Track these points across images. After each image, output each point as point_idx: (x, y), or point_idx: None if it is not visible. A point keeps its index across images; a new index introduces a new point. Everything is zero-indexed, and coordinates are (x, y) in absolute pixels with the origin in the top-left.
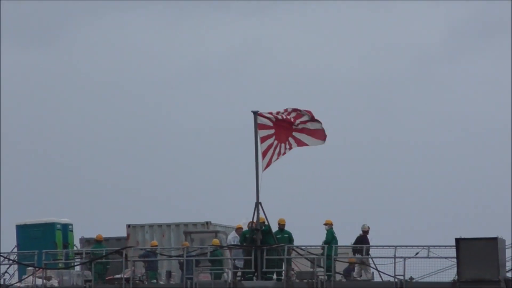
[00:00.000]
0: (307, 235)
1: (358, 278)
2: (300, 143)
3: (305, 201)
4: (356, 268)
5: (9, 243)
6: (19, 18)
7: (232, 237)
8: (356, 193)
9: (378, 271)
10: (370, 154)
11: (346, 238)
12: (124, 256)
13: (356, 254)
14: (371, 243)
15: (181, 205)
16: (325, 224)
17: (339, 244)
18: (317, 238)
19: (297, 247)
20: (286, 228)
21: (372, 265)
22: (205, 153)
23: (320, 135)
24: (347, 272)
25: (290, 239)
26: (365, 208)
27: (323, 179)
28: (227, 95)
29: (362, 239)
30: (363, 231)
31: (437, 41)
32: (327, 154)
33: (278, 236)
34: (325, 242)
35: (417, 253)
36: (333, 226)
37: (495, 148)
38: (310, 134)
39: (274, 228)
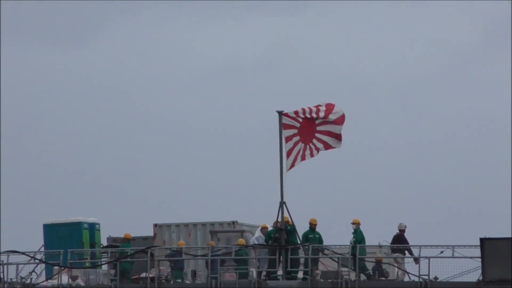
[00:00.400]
0: (332, 235)
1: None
2: (326, 146)
3: (329, 201)
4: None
5: (37, 242)
6: (50, 18)
7: (257, 237)
8: (379, 193)
9: (403, 270)
10: (397, 154)
11: (373, 236)
12: (149, 255)
13: (393, 254)
14: (409, 242)
15: (208, 205)
16: (353, 224)
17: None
18: (342, 238)
19: (322, 247)
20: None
21: (398, 265)
22: (232, 153)
23: (339, 136)
24: (375, 271)
25: (320, 240)
26: (387, 207)
27: (348, 178)
28: (256, 95)
29: (400, 238)
30: (400, 230)
31: (473, 40)
32: (354, 154)
33: (310, 236)
34: (357, 242)
35: (441, 252)
36: (360, 226)
37: None
38: (332, 135)
39: (299, 227)
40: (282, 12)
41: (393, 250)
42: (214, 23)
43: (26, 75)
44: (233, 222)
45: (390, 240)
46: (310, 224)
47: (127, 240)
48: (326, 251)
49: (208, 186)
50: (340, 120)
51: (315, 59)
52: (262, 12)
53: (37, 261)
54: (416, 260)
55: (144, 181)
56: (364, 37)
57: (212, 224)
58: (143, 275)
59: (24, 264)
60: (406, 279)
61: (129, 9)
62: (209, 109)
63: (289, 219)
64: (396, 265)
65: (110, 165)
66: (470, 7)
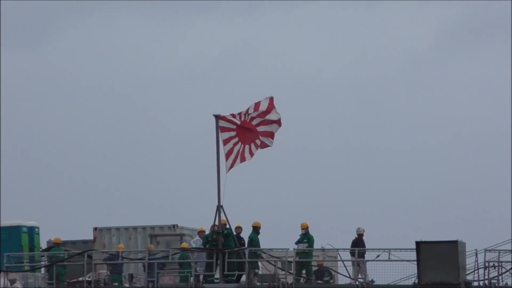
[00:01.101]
0: (270, 238)
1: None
2: (263, 145)
3: (267, 204)
4: (353, 269)
5: None
6: (7, 19)
7: (194, 240)
8: (318, 195)
9: (338, 273)
10: (347, 156)
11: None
12: (85, 258)
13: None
14: (367, 246)
15: (149, 209)
16: (303, 228)
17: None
18: (280, 241)
19: (259, 250)
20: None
21: (334, 268)
22: (173, 156)
23: (273, 135)
24: (318, 274)
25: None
26: (330, 210)
27: (288, 181)
28: (206, 98)
29: (358, 242)
30: (358, 234)
31: (428, 43)
32: (302, 156)
33: (255, 239)
34: (310, 247)
35: (378, 256)
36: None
37: (479, 151)
38: (269, 135)
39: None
40: (238, 14)
41: (352, 254)
42: (171, 25)
43: None
44: (174, 226)
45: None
46: (254, 227)
47: (56, 245)
48: (263, 255)
49: (149, 190)
50: (279, 122)
51: (273, 59)
52: (219, 14)
53: None
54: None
55: (84, 184)
56: (322, 37)
57: (153, 227)
58: (81, 279)
59: None
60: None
61: (82, 11)
62: (154, 111)
63: (227, 223)
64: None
65: (50, 168)
66: (425, 8)
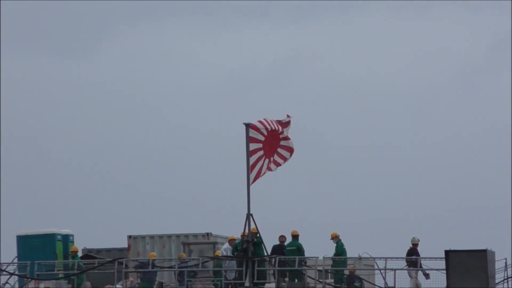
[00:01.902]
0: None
1: None
2: (282, 158)
3: (300, 213)
4: (411, 282)
5: (10, 253)
6: (57, 29)
7: (225, 248)
8: (347, 205)
9: (368, 282)
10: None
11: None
12: (116, 266)
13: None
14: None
15: (183, 217)
16: (332, 238)
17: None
18: (315, 250)
19: (289, 258)
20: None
21: (363, 276)
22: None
23: (290, 150)
24: (349, 281)
25: (300, 250)
26: (355, 220)
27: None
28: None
29: (413, 252)
30: (413, 244)
31: (482, 53)
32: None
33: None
34: (336, 255)
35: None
36: (338, 238)
37: None
38: (290, 150)
39: (267, 239)
40: (289, 23)
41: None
42: (221, 34)
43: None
44: (207, 234)
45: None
46: (295, 235)
47: (74, 253)
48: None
49: (183, 199)
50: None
51: (325, 67)
52: (270, 22)
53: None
54: (427, 276)
55: (120, 193)
56: (371, 46)
57: (186, 235)
58: (112, 287)
59: None
60: None
61: (136, 20)
62: (200, 120)
63: (257, 231)
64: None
65: (86, 176)
66: (477, 19)
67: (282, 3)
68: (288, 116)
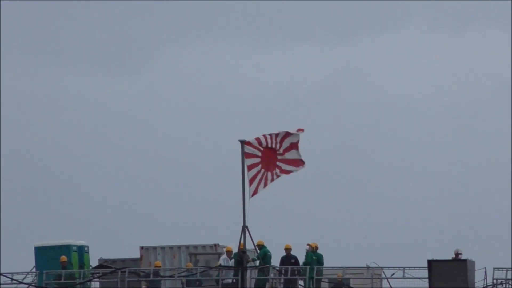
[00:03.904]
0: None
1: None
2: (284, 172)
3: (291, 224)
4: None
5: (28, 264)
6: (105, 46)
7: (223, 259)
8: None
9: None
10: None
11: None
12: (119, 275)
13: None
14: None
15: (192, 229)
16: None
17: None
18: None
19: (277, 267)
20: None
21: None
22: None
23: (298, 163)
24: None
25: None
26: (341, 231)
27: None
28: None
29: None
30: (456, 254)
31: None
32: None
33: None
34: (304, 263)
35: (393, 274)
36: (316, 249)
37: None
38: (290, 163)
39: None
40: (335, 40)
41: None
42: (269, 52)
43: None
44: (215, 245)
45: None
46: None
47: (64, 264)
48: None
49: (193, 212)
50: (296, 145)
51: (364, 88)
52: (317, 40)
53: (15, 281)
54: None
55: (132, 206)
56: (411, 64)
57: (195, 246)
58: None
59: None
60: None
61: (180, 40)
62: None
63: (261, 243)
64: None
65: (102, 191)
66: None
67: (324, 23)
68: (299, 130)
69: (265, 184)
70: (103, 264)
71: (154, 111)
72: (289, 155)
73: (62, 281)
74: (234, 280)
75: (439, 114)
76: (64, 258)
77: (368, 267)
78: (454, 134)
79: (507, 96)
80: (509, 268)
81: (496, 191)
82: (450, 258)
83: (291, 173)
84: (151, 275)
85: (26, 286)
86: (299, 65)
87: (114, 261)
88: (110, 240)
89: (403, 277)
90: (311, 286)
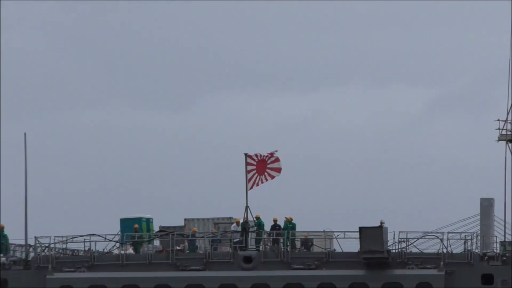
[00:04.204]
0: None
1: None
2: (270, 176)
3: (277, 205)
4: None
5: (115, 230)
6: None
7: (233, 227)
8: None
9: (315, 245)
10: None
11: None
12: (170, 236)
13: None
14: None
15: (215, 207)
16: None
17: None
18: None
19: (268, 232)
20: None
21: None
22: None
23: (278, 170)
24: (304, 244)
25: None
26: (307, 208)
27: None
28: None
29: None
30: (380, 223)
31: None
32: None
33: (277, 227)
34: (283, 229)
35: (338, 235)
36: (291, 220)
37: None
38: (274, 170)
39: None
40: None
41: None
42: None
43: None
44: (230, 218)
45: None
46: (275, 221)
47: (136, 229)
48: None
49: (217, 197)
50: (278, 159)
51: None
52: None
53: (107, 239)
54: None
55: (181, 195)
56: (360, 104)
57: (218, 218)
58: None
59: (100, 241)
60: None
61: (220, 86)
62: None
63: (258, 216)
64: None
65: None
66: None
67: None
68: (276, 151)
69: (257, 184)
70: (162, 229)
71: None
72: (274, 165)
73: (136, 239)
74: (240, 239)
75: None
76: (136, 226)
77: (324, 231)
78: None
79: None
80: (410, 231)
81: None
82: (377, 225)
83: (274, 178)
84: (190, 236)
85: (114, 243)
86: (284, 107)
87: (168, 227)
88: (166, 214)
89: (344, 237)
90: (288, 244)
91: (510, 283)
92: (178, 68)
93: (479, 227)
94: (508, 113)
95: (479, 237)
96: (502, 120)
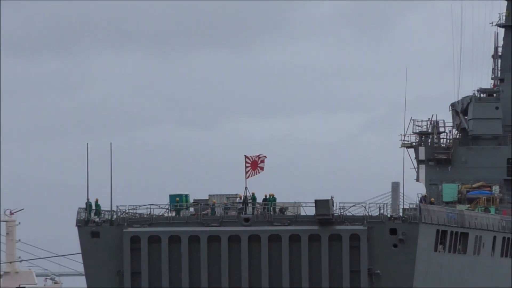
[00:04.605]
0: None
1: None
2: (258, 172)
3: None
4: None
5: (166, 201)
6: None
7: (237, 200)
8: None
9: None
10: None
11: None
12: (199, 206)
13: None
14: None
15: (228, 187)
16: (271, 195)
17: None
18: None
19: (259, 203)
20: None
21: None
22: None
23: (262, 168)
24: (281, 211)
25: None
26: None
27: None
28: None
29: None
30: (331, 197)
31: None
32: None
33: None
34: (268, 201)
35: (288, 207)
36: (273, 195)
37: None
38: (261, 168)
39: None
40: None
41: None
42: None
43: None
44: (236, 194)
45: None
46: (269, 195)
47: (177, 201)
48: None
49: (231, 182)
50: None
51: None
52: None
53: (161, 207)
54: None
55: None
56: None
57: (229, 194)
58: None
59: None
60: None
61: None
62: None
63: (253, 193)
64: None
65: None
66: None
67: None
68: (264, 156)
69: (252, 175)
70: (194, 201)
71: None
72: (261, 165)
73: (178, 207)
74: (242, 207)
75: None
76: (177, 199)
77: (294, 202)
78: None
79: None
80: (346, 202)
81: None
82: (327, 198)
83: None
84: (211, 205)
85: (165, 209)
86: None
87: (198, 200)
88: (197, 191)
89: (306, 206)
90: (271, 210)
91: (407, 234)
92: None
93: (390, 199)
94: (405, 131)
95: (389, 206)
96: (403, 135)
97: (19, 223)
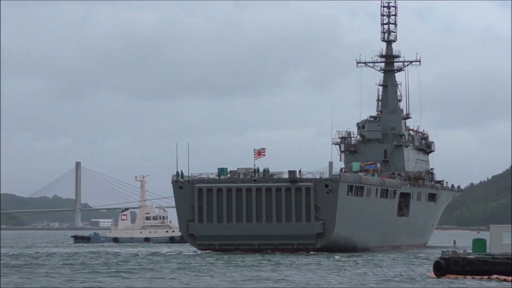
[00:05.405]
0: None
1: None
2: (262, 155)
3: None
4: None
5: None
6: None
7: (250, 172)
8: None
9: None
10: None
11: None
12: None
13: None
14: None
15: (244, 163)
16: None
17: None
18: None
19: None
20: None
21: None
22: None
23: (264, 154)
24: None
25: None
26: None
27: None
28: None
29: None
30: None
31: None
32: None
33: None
34: (266, 172)
35: (284, 173)
36: (268, 169)
37: None
38: (262, 154)
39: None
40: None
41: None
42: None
43: None
44: (250, 167)
45: None
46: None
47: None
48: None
49: (246, 159)
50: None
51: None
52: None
53: (214, 174)
54: None
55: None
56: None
57: (248, 167)
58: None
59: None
60: None
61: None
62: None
63: (258, 168)
64: None
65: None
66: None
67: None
68: (264, 149)
69: (257, 158)
70: (231, 171)
71: None
72: (263, 152)
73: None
74: (253, 174)
75: None
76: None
77: (288, 171)
78: None
79: None
80: (305, 172)
81: None
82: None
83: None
84: (238, 173)
85: (216, 175)
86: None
87: (233, 170)
88: (232, 165)
89: (285, 173)
90: (267, 175)
91: (333, 187)
92: None
93: (327, 170)
94: (335, 136)
95: (326, 173)
96: (333, 138)
97: (147, 181)
